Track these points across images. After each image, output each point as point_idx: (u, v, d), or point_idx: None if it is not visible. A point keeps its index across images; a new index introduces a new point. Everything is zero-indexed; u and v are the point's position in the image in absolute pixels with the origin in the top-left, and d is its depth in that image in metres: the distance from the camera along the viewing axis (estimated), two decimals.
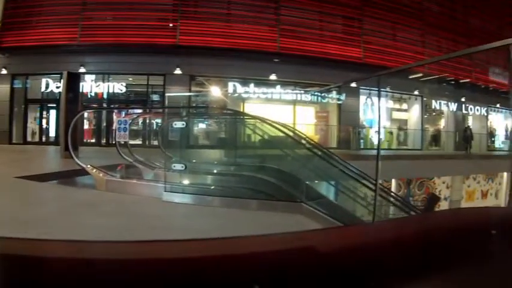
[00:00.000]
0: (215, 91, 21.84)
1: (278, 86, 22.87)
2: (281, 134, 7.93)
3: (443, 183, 21.80)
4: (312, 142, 9.90)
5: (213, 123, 16.52)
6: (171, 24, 20.48)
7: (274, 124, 7.82)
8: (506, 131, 32.05)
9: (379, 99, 13.84)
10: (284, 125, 8.24)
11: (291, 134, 8.37)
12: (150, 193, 6.81)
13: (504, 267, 1.00)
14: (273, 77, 21.76)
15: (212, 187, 8.11)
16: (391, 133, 25.35)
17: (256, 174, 8.17)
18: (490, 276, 0.95)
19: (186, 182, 7.49)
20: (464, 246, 1.15)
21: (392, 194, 9.99)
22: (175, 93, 20.13)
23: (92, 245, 1.13)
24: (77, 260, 0.94)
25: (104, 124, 22.00)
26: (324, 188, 8.30)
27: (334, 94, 23.77)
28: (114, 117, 19.08)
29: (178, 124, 7.41)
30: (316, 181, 8.39)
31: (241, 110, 20.19)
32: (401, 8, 24.43)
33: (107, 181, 7.35)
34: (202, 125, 17.85)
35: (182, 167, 7.20)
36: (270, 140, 9.39)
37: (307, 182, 7.18)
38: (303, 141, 8.56)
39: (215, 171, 9.40)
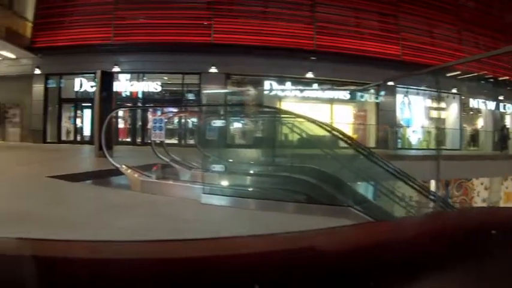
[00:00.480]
0: (251, 89, 21.63)
1: (315, 84, 22.71)
2: (325, 133, 7.59)
3: (482, 184, 21.63)
4: (356, 142, 9.54)
5: (250, 122, 16.30)
6: (205, 23, 20.47)
7: (318, 122, 7.44)
8: None
9: (439, 97, 13.49)
10: (327, 124, 7.93)
11: (335, 133, 7.97)
12: (187, 195, 6.48)
13: (507, 267, 0.98)
14: (309, 75, 21.56)
15: (252, 189, 7.79)
16: (429, 132, 24.89)
17: (298, 176, 7.84)
18: (492, 276, 0.94)
19: (224, 183, 7.20)
20: (467, 246, 1.14)
21: (436, 195, 9.66)
22: (212, 90, 20.04)
23: (95, 245, 1.14)
24: (82, 260, 0.96)
25: (139, 123, 22.11)
26: (370, 191, 7.98)
27: (372, 92, 23.41)
28: (149, 116, 19.07)
29: (218, 123, 7.15)
30: (362, 182, 8.08)
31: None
32: (437, 3, 24.06)
33: (142, 182, 7.04)
34: (239, 124, 17.68)
35: (222, 167, 6.89)
36: (311, 139, 9.08)
37: (353, 184, 6.86)
38: (348, 141, 8.16)
39: (254, 171, 9.10)
